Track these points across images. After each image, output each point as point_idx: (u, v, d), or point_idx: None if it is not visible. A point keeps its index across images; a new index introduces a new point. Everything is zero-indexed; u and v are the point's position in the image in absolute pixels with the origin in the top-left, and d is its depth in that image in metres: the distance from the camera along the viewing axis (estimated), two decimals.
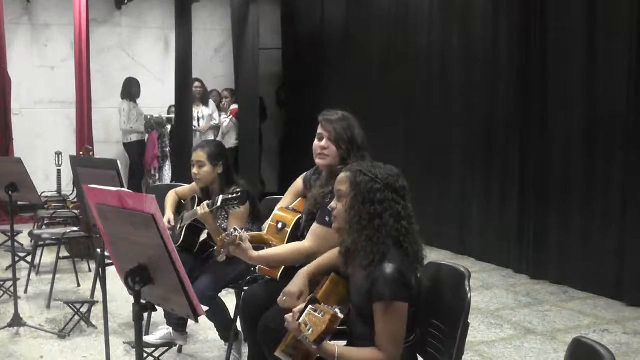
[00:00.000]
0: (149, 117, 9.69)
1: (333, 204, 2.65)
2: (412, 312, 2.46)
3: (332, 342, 2.40)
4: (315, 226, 3.08)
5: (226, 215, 3.96)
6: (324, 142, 3.17)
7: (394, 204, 2.50)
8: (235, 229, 2.94)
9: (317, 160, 3.22)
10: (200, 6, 10.05)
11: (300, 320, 2.30)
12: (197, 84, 9.54)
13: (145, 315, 2.32)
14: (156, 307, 2.49)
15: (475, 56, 7.03)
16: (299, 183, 3.52)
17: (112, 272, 3.77)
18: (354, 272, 2.55)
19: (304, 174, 3.51)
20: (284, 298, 2.86)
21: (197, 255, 4.24)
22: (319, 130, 3.21)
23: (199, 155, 4.05)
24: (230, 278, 3.98)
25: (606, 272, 5.69)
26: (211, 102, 9.82)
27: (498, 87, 6.78)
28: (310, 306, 2.33)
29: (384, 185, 2.51)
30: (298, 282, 2.88)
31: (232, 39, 9.78)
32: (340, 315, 2.27)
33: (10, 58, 9.19)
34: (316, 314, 2.28)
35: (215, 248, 3.04)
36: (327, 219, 2.95)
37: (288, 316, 2.41)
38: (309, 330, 2.25)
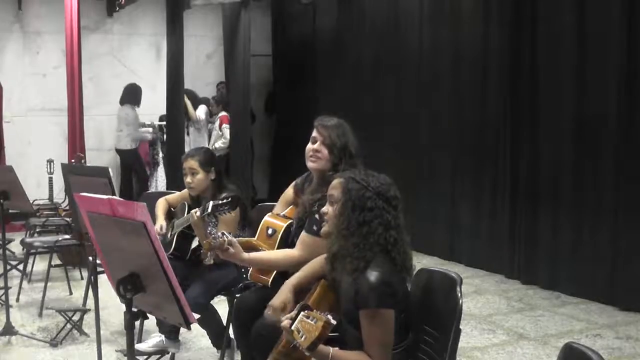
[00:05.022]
0: (140, 124, 9.67)
1: (325, 208, 2.66)
2: (403, 318, 2.47)
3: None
4: (303, 234, 3.09)
5: (216, 222, 3.94)
6: (317, 146, 3.18)
7: (384, 212, 2.51)
8: (223, 233, 2.92)
9: (309, 164, 3.22)
10: (191, 13, 10.04)
11: (293, 328, 2.30)
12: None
13: (137, 323, 2.31)
14: (148, 314, 2.49)
15: (466, 58, 7.06)
16: (289, 192, 3.52)
17: (104, 280, 3.76)
18: (341, 278, 2.56)
19: (295, 181, 3.52)
20: (269, 312, 2.85)
21: (188, 262, 4.22)
22: (314, 134, 3.22)
23: (191, 163, 4.01)
24: (222, 285, 3.98)
25: (598, 277, 5.70)
26: (203, 108, 9.76)
27: (488, 89, 6.81)
28: (302, 313, 2.33)
29: (375, 194, 2.53)
30: (281, 295, 2.86)
31: (223, 45, 9.78)
32: (333, 322, 2.27)
33: (2, 66, 9.18)
34: (309, 320, 2.28)
35: (202, 251, 3.03)
36: (314, 227, 2.96)
37: (283, 325, 2.39)
38: (302, 337, 2.26)
